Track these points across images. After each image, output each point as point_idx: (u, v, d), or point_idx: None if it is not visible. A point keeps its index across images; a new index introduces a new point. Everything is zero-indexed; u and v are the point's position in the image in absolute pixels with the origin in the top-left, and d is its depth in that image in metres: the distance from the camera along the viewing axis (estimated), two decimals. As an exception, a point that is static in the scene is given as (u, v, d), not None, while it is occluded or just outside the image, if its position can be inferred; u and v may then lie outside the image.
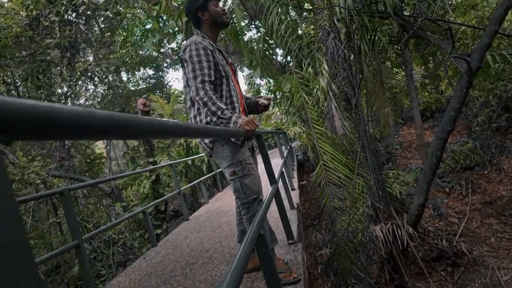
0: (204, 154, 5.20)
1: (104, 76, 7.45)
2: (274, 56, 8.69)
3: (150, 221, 6.66)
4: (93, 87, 7.71)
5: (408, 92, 7.59)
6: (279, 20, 5.72)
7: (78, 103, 8.63)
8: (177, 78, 36.97)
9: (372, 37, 5.11)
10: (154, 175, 6.97)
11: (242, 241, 1.09)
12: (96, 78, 7.21)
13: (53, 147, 7.14)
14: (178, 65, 18.79)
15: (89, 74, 6.87)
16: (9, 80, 7.27)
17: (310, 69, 4.95)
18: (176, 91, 18.09)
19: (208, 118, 2.00)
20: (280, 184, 3.23)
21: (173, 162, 5.33)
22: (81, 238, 2.55)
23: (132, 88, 17.23)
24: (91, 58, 8.15)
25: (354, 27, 4.75)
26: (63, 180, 6.96)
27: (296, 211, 3.61)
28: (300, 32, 5.85)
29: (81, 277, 7.69)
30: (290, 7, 5.91)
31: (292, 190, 4.83)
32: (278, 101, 12.37)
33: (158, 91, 17.46)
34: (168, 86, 18.90)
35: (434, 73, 11.31)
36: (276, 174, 2.48)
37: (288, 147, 8.42)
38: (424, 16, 3.82)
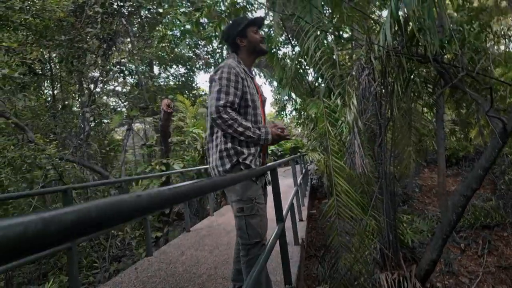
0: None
1: (135, 72, 7.53)
2: (305, 76, 8.62)
3: (151, 225, 6.65)
4: (122, 79, 7.81)
5: (436, 136, 7.33)
6: (315, 45, 5.65)
7: (108, 88, 8.74)
8: (206, 81, 37.48)
9: (407, 79, 4.96)
10: (164, 177, 6.94)
11: (235, 281, 1.01)
12: (126, 72, 7.29)
13: (73, 132, 7.24)
14: (209, 68, 19.02)
15: (121, 67, 6.95)
16: (44, 60, 7.45)
17: (338, 100, 4.83)
18: (203, 95, 18.22)
19: (233, 141, 1.95)
20: (288, 215, 3.10)
21: (184, 170, 5.27)
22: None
23: (161, 83, 17.46)
24: (126, 50, 8.27)
25: (390, 67, 4.61)
26: (75, 166, 7.01)
27: (299, 248, 3.46)
28: (334, 58, 5.76)
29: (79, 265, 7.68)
30: (328, 35, 5.84)
31: (300, 220, 4.68)
32: (302, 120, 12.28)
33: (186, 91, 17.61)
34: (196, 87, 19.06)
35: (466, 119, 10.97)
36: (285, 208, 2.37)
37: (304, 170, 8.27)
38: (465, 72, 3.65)
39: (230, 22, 2.27)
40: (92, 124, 7.46)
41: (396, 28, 4.36)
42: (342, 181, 5.00)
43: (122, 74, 7.37)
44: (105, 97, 8.52)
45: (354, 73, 4.55)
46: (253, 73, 2.27)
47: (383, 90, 4.85)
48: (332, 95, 7.45)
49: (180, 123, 8.71)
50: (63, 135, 7.05)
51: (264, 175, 2.10)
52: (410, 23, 4.31)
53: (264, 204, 2.04)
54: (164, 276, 3.04)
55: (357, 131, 4.60)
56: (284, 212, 2.50)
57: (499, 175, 8.62)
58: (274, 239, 1.96)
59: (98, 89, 7.94)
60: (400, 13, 4.18)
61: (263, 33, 2.20)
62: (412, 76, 4.89)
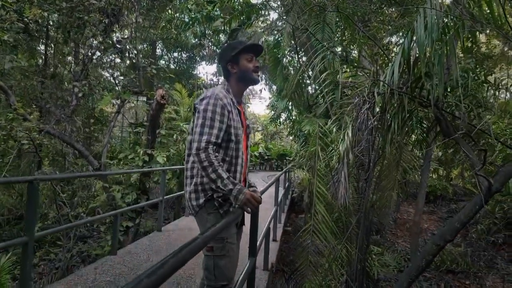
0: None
1: (134, 54, 7.31)
2: (305, 89, 8.57)
3: (123, 213, 6.48)
4: (119, 60, 7.58)
5: (421, 176, 7.39)
6: (322, 65, 5.60)
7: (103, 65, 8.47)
8: (207, 72, 37.16)
9: (405, 118, 4.94)
10: (146, 167, 6.79)
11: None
12: (126, 53, 7.07)
13: (58, 104, 6.99)
14: (213, 60, 18.80)
15: (120, 47, 6.73)
16: (41, 21, 7.17)
17: (334, 128, 4.78)
18: (202, 86, 18.01)
19: (205, 181, 1.84)
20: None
21: (166, 168, 5.15)
22: (33, 235, 2.36)
23: (162, 65, 17.18)
24: (127, 32, 8.04)
25: (390, 104, 4.58)
26: (55, 141, 6.78)
27: (268, 274, 3.38)
28: (338, 81, 5.72)
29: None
30: (336, 56, 5.78)
31: (273, 241, 4.61)
32: (294, 131, 12.24)
33: (185, 79, 17.39)
34: (197, 77, 18.84)
35: (450, 160, 11.11)
36: (260, 237, 2.28)
37: (287, 184, 8.22)
38: (464, 130, 3.63)
39: (226, 44, 2.15)
40: (81, 100, 7.21)
41: (403, 67, 4.34)
42: (322, 207, 4.97)
43: (120, 54, 7.12)
44: (100, 71, 8.23)
45: (355, 104, 4.50)
46: (243, 100, 2.17)
47: (380, 126, 4.82)
48: (328, 116, 7.44)
49: (172, 115, 8.53)
50: (47, 105, 6.78)
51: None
52: (419, 65, 4.29)
53: (236, 244, 1.96)
54: (123, 284, 2.92)
55: (346, 162, 4.57)
56: (258, 241, 2.42)
57: (473, 223, 8.75)
58: (242, 280, 1.89)
59: (92, 65, 7.68)
60: (412, 52, 4.16)
61: (260, 62, 2.08)
62: (410, 118, 4.87)
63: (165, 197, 5.13)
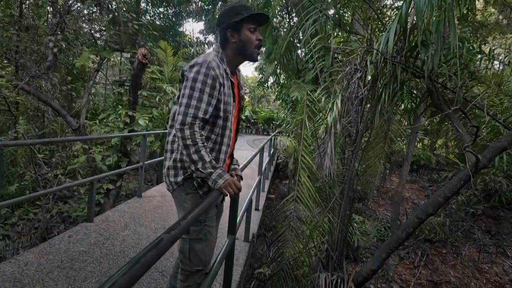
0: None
1: (114, 8, 6.80)
2: (295, 53, 8.25)
3: (95, 188, 6.30)
4: (99, 13, 7.05)
5: (407, 147, 7.37)
6: (314, 29, 5.30)
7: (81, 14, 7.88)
8: (193, 30, 35.78)
9: (396, 88, 4.78)
10: (127, 129, 6.55)
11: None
12: (105, 6, 6.56)
13: (33, 59, 6.54)
14: (200, 17, 17.95)
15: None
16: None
17: (323, 98, 4.59)
18: (188, 44, 17.30)
19: (185, 159, 1.66)
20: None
21: (146, 133, 4.93)
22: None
23: (147, 21, 16.32)
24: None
25: (383, 74, 4.39)
26: (32, 98, 6.41)
27: (248, 246, 3.32)
28: (330, 47, 5.46)
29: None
30: (328, 19, 5.47)
31: (256, 210, 4.55)
32: (282, 96, 11.98)
33: (170, 37, 16.62)
34: (182, 35, 18.03)
35: (436, 130, 11.14)
36: (241, 210, 2.16)
37: (272, 150, 8.12)
38: (459, 106, 3.49)
39: (228, 6, 1.89)
40: (58, 56, 6.76)
41: (399, 35, 4.11)
42: (306, 177, 4.90)
43: (99, 7, 6.62)
44: (80, 24, 7.66)
45: (346, 72, 4.29)
46: (238, 73, 1.91)
47: (370, 96, 4.65)
48: (319, 83, 7.21)
49: (155, 75, 8.14)
50: (21, 60, 6.33)
51: None
52: (415, 33, 4.07)
53: (215, 227, 1.82)
54: (96, 257, 2.78)
55: (333, 132, 4.44)
56: (238, 217, 2.30)
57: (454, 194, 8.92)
58: (219, 262, 1.78)
59: (70, 17, 7.12)
60: (409, 19, 3.93)
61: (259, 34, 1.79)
62: (402, 88, 4.71)
63: (146, 162, 4.96)
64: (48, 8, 8.51)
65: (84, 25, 7.80)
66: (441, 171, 11.15)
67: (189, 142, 1.56)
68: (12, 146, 5.64)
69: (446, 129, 8.47)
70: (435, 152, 13.29)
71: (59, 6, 7.08)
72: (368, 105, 4.89)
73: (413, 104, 5.46)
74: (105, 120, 7.42)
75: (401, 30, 4.05)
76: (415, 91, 5.05)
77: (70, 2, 7.04)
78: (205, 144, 1.62)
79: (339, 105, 4.28)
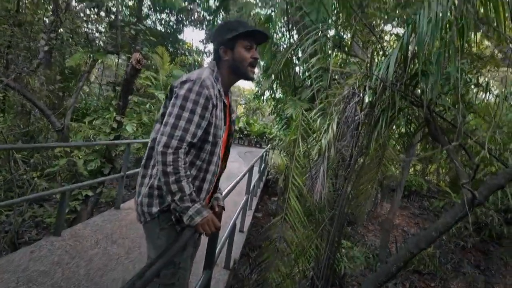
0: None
1: (113, 10, 6.65)
2: (293, 70, 8.16)
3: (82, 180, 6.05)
4: (95, 16, 6.87)
5: (401, 173, 7.25)
6: (313, 49, 5.19)
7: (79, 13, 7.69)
8: (192, 39, 35.76)
9: (394, 115, 4.66)
10: (113, 135, 6.32)
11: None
12: (103, 8, 6.40)
13: (23, 55, 6.31)
14: (201, 26, 17.90)
15: (96, 0, 6.05)
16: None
17: (319, 120, 4.44)
18: (187, 52, 17.21)
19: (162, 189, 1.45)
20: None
21: (130, 141, 4.71)
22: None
23: (148, 25, 16.22)
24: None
25: (381, 100, 4.26)
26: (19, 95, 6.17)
27: (228, 274, 3.09)
28: (328, 62, 5.34)
29: None
30: (329, 42, 5.37)
31: (240, 232, 4.32)
32: (276, 111, 11.84)
33: (170, 44, 16.52)
34: (182, 42, 17.96)
35: (429, 158, 11.07)
36: (223, 236, 1.94)
37: (263, 166, 7.92)
38: (459, 141, 3.36)
39: (223, 22, 1.75)
40: (50, 54, 6.56)
41: (399, 62, 4.01)
42: (295, 200, 4.71)
43: (96, 9, 6.45)
44: (77, 23, 7.49)
45: (344, 96, 4.15)
46: (230, 94, 1.73)
47: (366, 121, 4.51)
48: (315, 104, 7.09)
49: (148, 82, 7.95)
50: (10, 56, 6.10)
51: None
52: (416, 62, 3.97)
53: (188, 270, 1.61)
54: (56, 279, 2.46)
55: (327, 156, 4.28)
56: (220, 240, 2.10)
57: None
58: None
59: (67, 15, 6.95)
60: (410, 48, 3.83)
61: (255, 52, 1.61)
62: (399, 115, 4.58)
63: (129, 171, 4.72)
64: (46, 6, 8.35)
65: (80, 24, 7.61)
66: (432, 199, 11.03)
67: (170, 169, 1.36)
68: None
69: (438, 156, 8.38)
70: (426, 178, 13.21)
71: (56, 4, 6.88)
72: (364, 130, 4.75)
73: (408, 131, 5.34)
74: (93, 122, 7.18)
75: (402, 58, 3.94)
76: (412, 119, 4.92)
77: (68, 0, 6.87)
78: (188, 173, 1.42)
79: (334, 128, 4.13)
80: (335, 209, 4.68)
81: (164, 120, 1.42)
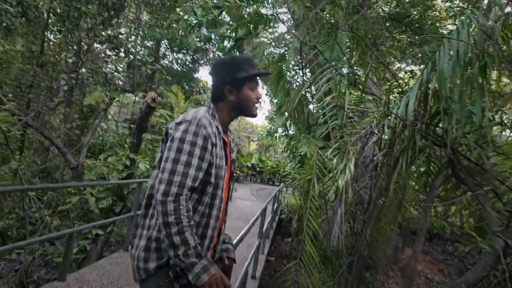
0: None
1: (131, 52, 6.84)
2: (307, 107, 8.12)
3: (96, 218, 5.95)
4: (115, 56, 7.09)
5: (422, 217, 6.89)
6: (327, 88, 5.14)
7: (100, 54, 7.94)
8: (207, 76, 36.99)
9: (414, 156, 4.46)
10: (126, 172, 6.27)
11: None
12: (122, 49, 6.60)
13: (43, 94, 6.48)
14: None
15: (116, 42, 6.24)
16: (41, 8, 6.73)
17: (335, 159, 4.27)
18: (202, 90, 17.58)
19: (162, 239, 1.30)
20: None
21: (142, 180, 4.63)
22: None
23: (165, 65, 16.76)
24: (124, 29, 7.58)
25: (400, 139, 4.09)
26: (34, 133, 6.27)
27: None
28: (343, 108, 5.24)
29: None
30: (344, 80, 5.31)
31: (252, 278, 4.06)
32: (290, 148, 11.72)
33: (185, 82, 16.95)
34: (197, 81, 18.43)
35: (451, 198, 10.61)
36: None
37: (276, 206, 7.68)
38: (490, 187, 3.14)
39: (228, 57, 1.62)
40: (70, 93, 6.75)
41: (419, 101, 3.88)
42: (311, 244, 4.45)
43: (115, 50, 6.67)
44: (97, 63, 7.75)
45: (361, 135, 4.01)
46: (229, 132, 1.64)
47: (385, 161, 4.32)
48: (328, 139, 6.93)
49: (162, 120, 8.03)
50: (30, 95, 6.28)
51: None
52: (437, 100, 3.82)
53: None
54: None
55: (344, 199, 4.07)
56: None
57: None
58: None
59: (88, 56, 7.20)
60: (430, 86, 3.70)
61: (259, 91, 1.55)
62: (420, 156, 4.38)
63: (139, 211, 4.57)
64: (69, 47, 8.71)
65: (101, 65, 7.88)
66: (456, 243, 10.44)
67: (171, 219, 1.23)
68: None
69: (461, 196, 7.98)
70: (448, 219, 12.62)
71: (75, 46, 7.16)
72: (383, 170, 4.54)
73: (429, 171, 5.10)
74: (107, 159, 7.20)
75: (422, 96, 3.82)
76: (433, 160, 4.70)
77: (90, 42, 7.13)
78: (192, 223, 1.28)
79: (352, 168, 3.95)
80: (353, 254, 4.39)
81: (161, 166, 1.31)
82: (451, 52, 3.16)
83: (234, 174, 1.68)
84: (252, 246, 3.96)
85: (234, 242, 2.09)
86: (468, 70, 3.52)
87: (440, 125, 4.01)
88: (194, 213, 1.35)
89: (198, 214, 1.37)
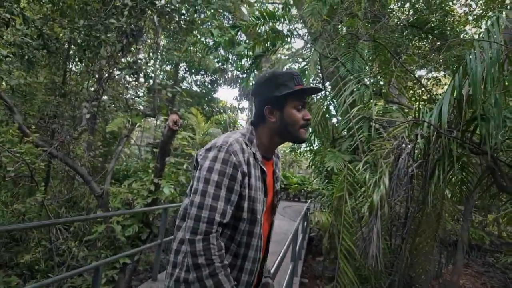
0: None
1: (151, 76, 6.94)
2: (331, 121, 7.95)
3: (123, 247, 5.90)
4: (135, 81, 7.20)
5: (461, 228, 6.51)
6: (352, 100, 4.98)
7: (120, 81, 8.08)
8: (226, 97, 37.21)
9: (451, 165, 4.19)
10: (151, 198, 6.24)
11: None
12: (142, 74, 6.70)
13: (66, 124, 6.58)
14: (235, 84, 18.51)
15: (135, 68, 6.32)
16: (62, 39, 6.94)
17: (368, 174, 4.07)
18: (222, 110, 17.69)
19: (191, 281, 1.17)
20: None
21: (167, 206, 4.55)
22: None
23: (185, 87, 17.01)
24: (143, 54, 7.73)
25: (435, 149, 3.86)
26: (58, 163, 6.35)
27: None
28: (371, 120, 5.05)
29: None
30: (369, 90, 5.14)
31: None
32: (315, 163, 11.47)
33: (205, 103, 17.13)
34: (216, 101, 18.60)
35: (488, 207, 10.05)
36: None
37: (305, 224, 7.44)
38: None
39: (269, 72, 1.37)
40: (92, 121, 6.84)
41: (452, 107, 3.67)
42: (346, 264, 4.21)
43: (135, 76, 6.75)
44: (118, 89, 7.91)
45: (393, 147, 3.80)
46: (275, 159, 1.45)
47: (420, 173, 4.08)
48: (354, 153, 6.70)
49: (184, 142, 8.04)
50: (53, 125, 6.42)
51: None
52: (472, 105, 3.59)
53: None
54: None
55: (380, 215, 3.84)
56: None
57: None
58: None
59: (110, 83, 7.33)
60: (463, 91, 3.49)
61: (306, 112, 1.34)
62: (457, 165, 4.11)
63: (166, 239, 4.46)
64: (90, 76, 8.95)
65: (121, 91, 8.00)
66: (497, 253, 9.81)
67: (201, 260, 1.09)
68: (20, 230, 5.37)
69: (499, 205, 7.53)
70: (485, 229, 11.95)
71: (96, 74, 7.32)
72: (418, 182, 4.29)
73: (465, 179, 4.80)
74: (132, 185, 7.20)
75: (455, 102, 3.62)
76: (471, 168, 4.41)
77: (110, 70, 7.26)
78: (225, 263, 1.14)
79: (386, 182, 3.74)
80: (393, 274, 4.11)
81: (190, 199, 1.18)
82: (483, 55, 2.97)
83: (276, 207, 1.47)
84: (285, 269, 3.76)
85: (272, 270, 1.95)
86: (503, 72, 3.31)
87: (477, 132, 3.77)
88: (226, 253, 1.20)
89: (230, 253, 1.23)
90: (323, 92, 8.68)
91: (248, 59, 11.47)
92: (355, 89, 5.13)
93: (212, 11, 8.83)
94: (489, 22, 2.94)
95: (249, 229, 1.23)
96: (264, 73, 1.36)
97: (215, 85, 18.60)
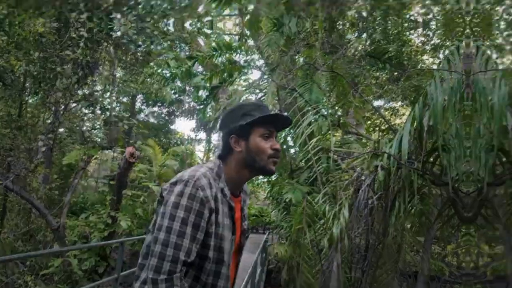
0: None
1: (107, 108, 6.79)
2: (289, 153, 7.94)
3: (80, 281, 5.55)
4: (91, 114, 7.06)
5: (421, 260, 6.52)
6: (310, 130, 4.95)
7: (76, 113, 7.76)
8: (183, 129, 36.93)
9: (411, 196, 4.20)
10: (108, 231, 5.93)
11: None
12: (98, 106, 6.52)
13: (22, 157, 6.27)
14: (192, 115, 18.35)
15: (91, 100, 6.18)
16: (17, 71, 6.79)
17: (327, 206, 3.96)
18: (180, 142, 17.39)
19: None
20: None
21: (125, 239, 4.26)
22: None
23: (141, 119, 16.64)
24: (99, 87, 7.58)
25: (396, 180, 3.84)
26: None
27: None
28: (329, 152, 5.03)
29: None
30: (327, 120, 5.15)
31: None
32: (272, 195, 11.33)
33: (162, 135, 16.82)
34: (174, 133, 18.35)
35: (448, 237, 10.32)
36: None
37: (263, 256, 7.21)
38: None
39: (236, 105, 1.38)
40: (47, 153, 6.62)
41: (413, 139, 3.69)
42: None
43: (92, 108, 6.59)
44: (74, 122, 7.66)
45: (352, 180, 3.75)
46: (244, 195, 1.36)
47: (381, 206, 4.03)
48: (313, 184, 6.63)
49: (141, 174, 7.79)
50: (9, 158, 6.23)
51: None
52: (433, 136, 3.63)
53: None
54: None
55: (340, 247, 3.71)
56: None
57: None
58: None
59: (66, 116, 7.11)
60: (424, 121, 3.52)
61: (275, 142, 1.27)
62: (418, 198, 4.12)
63: (123, 272, 4.10)
64: (46, 108, 8.57)
65: (78, 123, 7.78)
66: (456, 284, 9.98)
67: None
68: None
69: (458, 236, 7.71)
70: (445, 260, 12.20)
71: (52, 107, 7.11)
72: (378, 214, 4.24)
73: (426, 211, 4.84)
74: (89, 218, 7.18)
75: (415, 132, 3.64)
76: (431, 199, 4.46)
77: (67, 102, 7.01)
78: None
79: (346, 215, 3.63)
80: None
81: (153, 236, 1.10)
82: (444, 85, 3.02)
83: (243, 247, 1.36)
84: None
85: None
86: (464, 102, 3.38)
87: (438, 163, 3.81)
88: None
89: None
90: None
91: (205, 90, 11.43)
92: (313, 120, 5.12)
93: (168, 42, 8.79)
94: (448, 51, 3.01)
95: (216, 269, 1.16)
96: (232, 106, 1.35)
97: (172, 116, 18.45)
